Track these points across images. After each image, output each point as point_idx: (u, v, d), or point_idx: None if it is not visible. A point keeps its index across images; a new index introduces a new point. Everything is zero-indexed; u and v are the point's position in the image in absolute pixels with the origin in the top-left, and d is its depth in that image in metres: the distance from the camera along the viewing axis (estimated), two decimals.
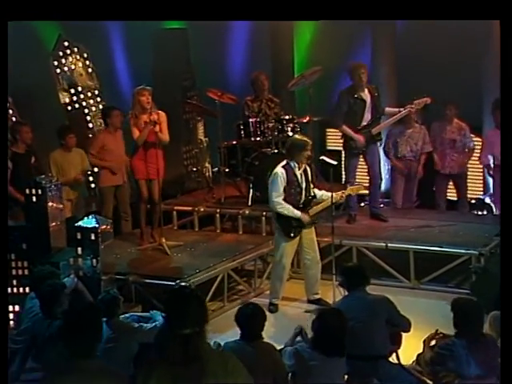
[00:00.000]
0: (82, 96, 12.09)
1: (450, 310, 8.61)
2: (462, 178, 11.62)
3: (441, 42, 12.21)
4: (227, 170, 10.89)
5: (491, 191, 11.75)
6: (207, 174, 12.22)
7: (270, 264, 9.64)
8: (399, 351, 6.71)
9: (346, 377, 6.16)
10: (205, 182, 11.84)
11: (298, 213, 8.68)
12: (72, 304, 7.04)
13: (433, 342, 6.46)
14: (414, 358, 6.63)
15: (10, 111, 11.05)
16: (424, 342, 6.45)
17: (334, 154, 11.98)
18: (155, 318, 6.97)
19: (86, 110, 12.12)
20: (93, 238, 7.99)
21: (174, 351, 4.26)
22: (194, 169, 12.46)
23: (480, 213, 11.45)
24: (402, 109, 10.25)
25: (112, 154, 10.17)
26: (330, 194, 8.72)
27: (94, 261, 8.02)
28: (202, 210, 10.73)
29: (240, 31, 13.99)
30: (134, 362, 6.55)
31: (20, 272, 8.29)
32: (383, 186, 11.16)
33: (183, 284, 5.16)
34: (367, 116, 10.19)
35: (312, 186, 8.88)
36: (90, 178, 12.05)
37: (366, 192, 9.66)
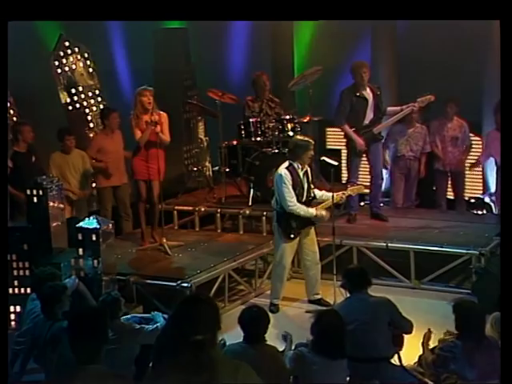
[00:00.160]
0: (82, 96, 12.06)
1: (450, 309, 8.69)
2: (461, 176, 11.59)
3: (441, 41, 12.16)
4: (228, 169, 10.83)
5: (491, 191, 11.71)
6: (208, 173, 12.18)
7: (271, 264, 9.59)
8: (401, 352, 6.65)
9: (347, 378, 6.11)
10: (205, 181, 11.79)
11: (312, 211, 8.61)
12: (74, 305, 7.06)
13: (431, 344, 6.43)
14: (416, 359, 6.61)
15: (12, 111, 11.00)
16: (422, 344, 6.42)
17: (334, 154, 11.97)
18: (156, 319, 6.91)
19: (87, 110, 12.09)
20: (94, 238, 7.92)
21: (185, 358, 4.19)
22: (195, 168, 12.39)
23: (480, 212, 11.40)
24: (404, 107, 10.18)
25: (109, 155, 10.14)
26: (330, 194, 8.68)
27: (95, 261, 7.95)
28: (202, 209, 10.67)
29: (240, 31, 13.94)
30: (136, 364, 6.56)
31: (21, 272, 8.25)
32: (383, 186, 11.09)
33: (196, 292, 5.08)
34: (370, 115, 10.13)
35: (312, 186, 8.83)
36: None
37: (367, 191, 9.58)
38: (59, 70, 11.92)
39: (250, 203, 10.40)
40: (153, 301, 8.41)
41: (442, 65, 12.19)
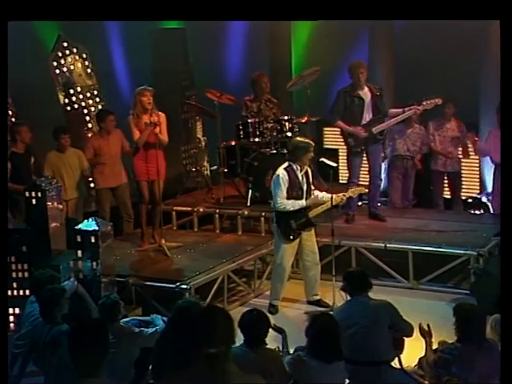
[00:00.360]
0: (81, 96, 11.96)
1: (448, 310, 8.61)
2: (458, 176, 11.55)
3: (438, 41, 12.08)
4: (226, 170, 10.75)
5: (488, 190, 11.64)
6: (206, 172, 12.12)
7: (270, 264, 9.53)
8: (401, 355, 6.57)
9: (347, 381, 6.03)
10: (204, 181, 11.71)
11: (302, 202, 8.55)
12: (73, 308, 6.99)
13: (434, 341, 6.36)
14: (416, 362, 6.53)
15: (10, 112, 10.89)
16: (426, 340, 6.33)
17: (331, 153, 11.91)
18: (156, 322, 6.84)
19: (86, 110, 12.00)
20: (93, 240, 7.83)
21: (198, 370, 4.12)
22: (193, 169, 12.30)
23: (477, 212, 11.34)
24: (406, 109, 10.09)
25: (105, 156, 10.04)
26: (330, 195, 8.59)
27: (94, 263, 7.87)
28: (201, 210, 10.58)
29: (238, 31, 13.87)
30: (135, 367, 6.48)
31: (20, 274, 8.18)
32: (381, 186, 11.01)
33: (211, 303, 5.04)
34: (367, 115, 10.06)
35: (313, 187, 8.74)
36: (89, 178, 11.91)
37: (365, 191, 9.51)
38: (58, 71, 11.82)
39: (249, 204, 10.32)
40: (152, 302, 8.34)
41: (440, 65, 12.12)
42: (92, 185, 11.85)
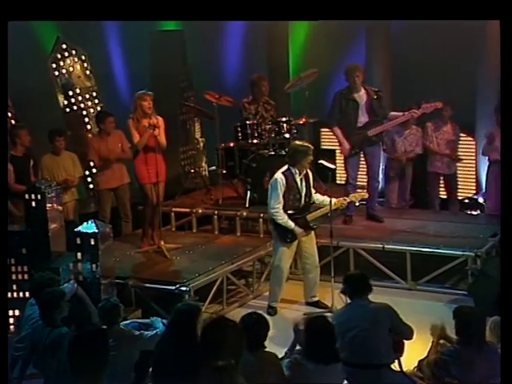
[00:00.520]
0: (80, 98, 11.90)
1: (446, 311, 8.60)
2: (454, 177, 11.50)
3: (435, 41, 12.01)
4: (225, 171, 10.70)
5: (484, 190, 11.58)
6: (204, 173, 12.07)
7: (268, 265, 9.48)
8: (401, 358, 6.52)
9: (345, 382, 5.97)
10: (202, 182, 11.65)
11: (291, 224, 8.49)
12: (73, 311, 6.94)
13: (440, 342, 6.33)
14: (416, 364, 6.48)
15: (9, 114, 10.81)
16: (432, 342, 6.31)
17: (329, 154, 11.84)
18: (155, 324, 6.79)
19: (84, 112, 11.94)
20: (92, 243, 7.77)
21: (207, 381, 4.06)
22: (192, 170, 12.24)
23: (474, 213, 11.28)
24: (406, 113, 10.06)
25: (104, 158, 9.96)
26: (335, 199, 8.56)
27: (94, 266, 7.80)
28: (200, 211, 10.52)
29: (235, 32, 13.79)
30: (135, 370, 6.42)
31: (20, 277, 8.13)
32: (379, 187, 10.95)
33: (222, 315, 4.99)
34: (362, 118, 10.00)
35: (314, 191, 8.67)
36: (89, 179, 11.87)
37: (366, 196, 9.45)
38: (56, 73, 11.75)
39: (247, 205, 10.27)
40: (151, 304, 8.28)
41: (437, 66, 12.05)
42: (91, 186, 11.85)
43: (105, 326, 6.35)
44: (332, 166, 8.63)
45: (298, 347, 6.14)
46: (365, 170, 10.47)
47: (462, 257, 9.08)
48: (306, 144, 8.66)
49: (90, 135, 11.64)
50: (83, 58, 11.94)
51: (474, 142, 11.83)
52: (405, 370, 6.50)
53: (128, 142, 9.83)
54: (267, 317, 7.80)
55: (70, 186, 10.13)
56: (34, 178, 9.72)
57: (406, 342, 6.50)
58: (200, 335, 4.50)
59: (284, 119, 10.40)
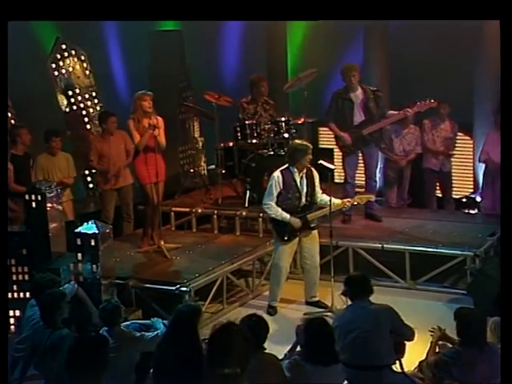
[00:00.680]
0: (79, 98, 11.82)
1: (445, 310, 8.55)
2: (449, 176, 11.42)
3: (433, 41, 11.93)
4: (224, 171, 10.63)
5: (481, 189, 11.51)
6: (203, 172, 12.01)
7: (268, 265, 9.41)
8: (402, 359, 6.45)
9: (345, 382, 5.91)
10: (201, 182, 11.57)
11: (286, 216, 8.42)
12: (73, 312, 6.87)
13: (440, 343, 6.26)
14: (416, 365, 6.42)
15: (9, 114, 10.72)
16: (431, 342, 6.25)
17: (327, 153, 11.78)
18: (156, 325, 6.73)
19: (84, 112, 11.86)
20: (93, 243, 7.69)
21: None
22: (192, 170, 12.17)
23: (472, 211, 11.22)
24: (401, 111, 10.01)
25: (107, 158, 9.85)
26: (337, 200, 8.50)
27: (94, 266, 7.73)
28: (199, 211, 10.44)
29: (233, 31, 13.71)
30: (136, 371, 6.36)
31: (20, 277, 8.05)
32: (377, 186, 10.88)
33: (230, 321, 4.93)
34: (358, 117, 9.96)
35: (320, 191, 8.56)
36: (88, 179, 11.79)
37: (373, 199, 9.36)
38: (56, 73, 11.67)
39: (247, 205, 10.21)
40: (152, 305, 8.20)
41: (435, 65, 11.97)
42: (91, 185, 11.77)
43: (106, 328, 6.34)
44: (332, 167, 8.55)
45: (298, 348, 6.12)
46: (363, 169, 10.40)
47: (460, 256, 9.01)
48: (305, 143, 8.60)
49: (91, 135, 11.56)
50: (83, 58, 11.86)
51: (471, 142, 11.76)
52: (405, 370, 6.44)
53: (132, 142, 9.72)
54: (267, 317, 7.86)
55: (66, 187, 10.03)
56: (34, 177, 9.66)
57: (407, 343, 6.43)
58: (208, 340, 4.41)
59: (283, 119, 10.32)
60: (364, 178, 10.38)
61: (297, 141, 8.85)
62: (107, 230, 7.91)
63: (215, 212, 10.32)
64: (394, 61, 12.15)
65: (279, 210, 8.42)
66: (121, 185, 9.96)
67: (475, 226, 10.04)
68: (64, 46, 11.69)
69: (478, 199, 11.47)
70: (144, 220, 9.55)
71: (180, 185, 11.76)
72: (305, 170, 8.47)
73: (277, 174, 8.46)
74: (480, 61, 11.35)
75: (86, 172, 11.75)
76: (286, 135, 10.24)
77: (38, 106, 11.74)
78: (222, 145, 10.65)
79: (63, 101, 11.74)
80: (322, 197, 8.58)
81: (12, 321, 7.97)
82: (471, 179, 11.93)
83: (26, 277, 8.00)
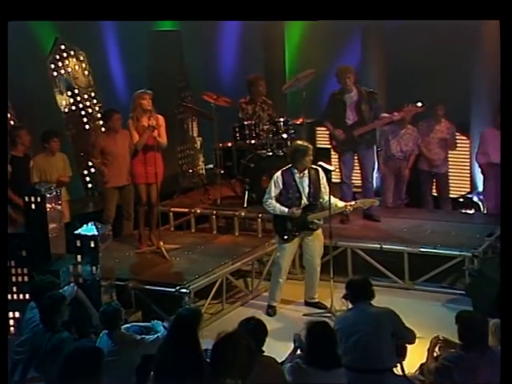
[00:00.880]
0: (78, 98, 11.71)
1: (444, 311, 8.48)
2: (445, 176, 11.31)
3: (430, 42, 11.83)
4: (223, 171, 10.54)
5: (479, 189, 11.44)
6: (201, 171, 11.91)
7: (267, 265, 9.33)
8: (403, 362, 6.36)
9: None
10: (200, 181, 11.48)
11: (284, 209, 8.37)
12: (73, 314, 6.78)
13: (436, 350, 6.16)
14: (417, 367, 6.32)
15: (8, 114, 10.59)
16: (428, 349, 6.14)
17: (324, 152, 11.68)
18: (156, 328, 6.66)
19: (83, 112, 11.73)
20: (92, 245, 7.59)
21: None
22: (190, 170, 12.07)
23: (469, 211, 11.14)
24: (388, 115, 10.02)
25: (112, 156, 9.66)
26: (340, 204, 8.41)
27: (94, 268, 7.63)
28: (198, 211, 10.34)
29: (231, 31, 13.61)
30: (137, 374, 6.28)
31: (20, 279, 7.92)
32: (374, 185, 10.79)
33: (234, 330, 4.87)
34: (351, 118, 9.96)
35: (324, 191, 8.41)
36: (87, 178, 11.68)
37: (377, 203, 9.27)
38: (55, 73, 11.55)
39: (245, 205, 10.11)
40: (151, 306, 8.11)
41: (432, 66, 11.87)
42: (90, 185, 11.66)
43: (106, 331, 6.26)
44: (331, 168, 8.46)
45: (298, 352, 6.03)
46: (358, 170, 10.39)
47: (459, 257, 8.92)
48: (306, 144, 8.54)
49: (94, 134, 11.46)
50: (81, 58, 11.75)
51: (468, 141, 11.69)
52: (406, 372, 6.34)
53: None
54: (266, 317, 7.78)
55: (63, 185, 9.91)
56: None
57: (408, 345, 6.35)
58: (211, 348, 4.32)
59: (281, 119, 10.24)
60: (360, 180, 10.35)
61: (298, 141, 8.77)
62: (107, 232, 7.82)
63: (214, 212, 10.22)
64: (392, 61, 12.06)
65: (277, 204, 8.39)
66: (123, 183, 9.78)
67: (473, 226, 9.95)
68: (63, 47, 11.58)
69: (475, 199, 11.41)
70: (138, 221, 9.44)
71: (178, 185, 11.66)
72: (306, 171, 8.40)
73: (277, 174, 8.45)
74: (477, 61, 11.30)
75: (85, 172, 11.63)
76: (285, 136, 10.17)
77: (36, 106, 11.62)
78: (221, 145, 10.57)
79: (62, 101, 11.62)
80: (326, 198, 8.42)
81: (11, 322, 7.86)
82: (468, 179, 11.85)
83: (26, 278, 7.89)
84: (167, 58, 12.81)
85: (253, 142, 10.19)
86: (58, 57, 11.53)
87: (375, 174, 11.03)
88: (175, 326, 5.69)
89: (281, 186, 8.39)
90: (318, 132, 12.99)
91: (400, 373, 6.24)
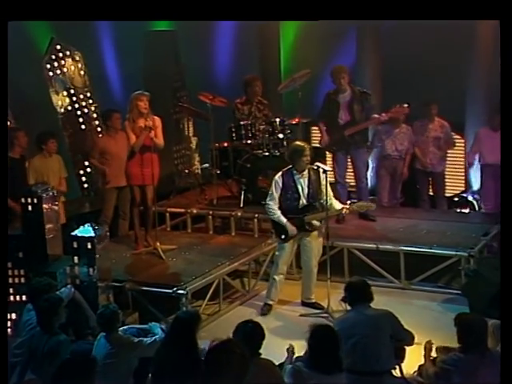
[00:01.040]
0: (74, 98, 11.56)
1: (440, 310, 8.43)
2: (441, 175, 11.22)
3: (425, 42, 11.75)
4: (219, 171, 10.46)
5: (473, 188, 11.39)
6: (196, 171, 11.83)
7: (264, 265, 9.26)
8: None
9: None
10: (196, 181, 11.39)
11: (283, 220, 8.32)
12: (70, 316, 6.71)
13: (433, 353, 6.10)
14: (415, 368, 6.27)
15: None
16: (424, 355, 6.09)
17: (319, 151, 11.61)
18: (154, 330, 6.61)
19: (79, 112, 11.60)
20: (89, 247, 7.54)
21: None
22: (186, 171, 11.99)
23: (465, 210, 11.08)
24: (376, 115, 10.05)
25: (113, 156, 9.53)
26: (337, 206, 8.35)
27: (91, 269, 7.58)
28: (194, 211, 10.26)
29: (226, 31, 13.51)
30: (134, 376, 6.21)
31: (17, 280, 7.86)
32: (368, 184, 10.73)
33: (230, 339, 4.82)
34: (344, 118, 9.95)
35: (323, 192, 8.30)
36: (83, 179, 11.58)
37: (373, 208, 9.20)
38: (51, 74, 11.41)
39: (242, 205, 10.04)
40: (148, 307, 8.03)
41: (427, 65, 11.81)
42: (86, 185, 11.55)
43: (104, 333, 6.18)
44: (328, 168, 8.39)
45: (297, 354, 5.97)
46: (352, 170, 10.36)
47: (455, 257, 8.86)
48: (302, 144, 8.50)
49: (93, 133, 11.37)
50: (77, 58, 11.61)
51: (463, 141, 11.62)
52: (404, 373, 6.30)
53: None
54: (263, 319, 7.71)
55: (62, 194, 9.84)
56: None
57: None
58: (205, 355, 4.25)
59: (277, 120, 10.17)
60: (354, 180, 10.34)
61: (296, 142, 8.72)
62: (103, 233, 7.75)
63: (210, 212, 10.15)
64: (387, 61, 11.99)
65: (278, 212, 8.34)
66: (123, 183, 9.67)
67: (468, 225, 9.90)
68: (59, 47, 11.44)
69: (470, 198, 11.36)
70: (133, 221, 9.38)
71: (174, 185, 11.59)
72: (306, 171, 8.35)
73: (278, 175, 8.43)
74: (472, 61, 11.22)
75: (81, 172, 11.52)
76: (281, 136, 10.11)
77: (32, 106, 11.50)
78: (217, 145, 10.48)
79: (58, 101, 11.49)
80: (330, 201, 8.33)
81: (8, 324, 7.74)
82: (463, 178, 11.79)
83: (23, 280, 7.82)
84: (163, 58, 12.68)
85: (249, 142, 10.13)
86: (53, 57, 11.40)
87: (370, 174, 11.00)
88: (174, 328, 5.67)
89: (280, 186, 8.36)
90: (313, 132, 12.91)
91: (399, 375, 6.19)
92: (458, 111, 11.46)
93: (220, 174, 10.49)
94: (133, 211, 9.35)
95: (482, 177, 10.79)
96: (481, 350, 5.56)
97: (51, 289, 6.80)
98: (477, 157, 10.85)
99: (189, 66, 13.07)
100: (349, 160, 10.28)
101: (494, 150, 10.11)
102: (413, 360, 6.36)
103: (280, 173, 8.41)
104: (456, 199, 11.49)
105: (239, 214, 9.95)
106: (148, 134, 8.82)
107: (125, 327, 6.59)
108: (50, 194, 8.10)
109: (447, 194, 11.49)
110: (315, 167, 8.35)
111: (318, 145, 12.41)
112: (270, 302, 8.60)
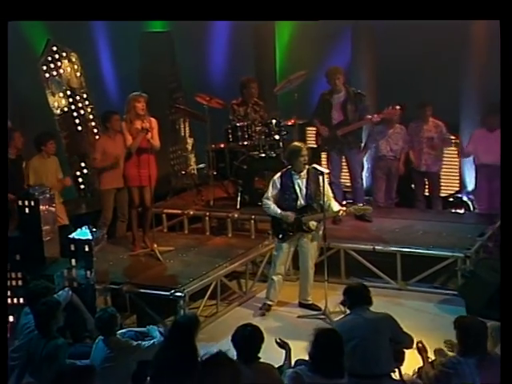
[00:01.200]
0: (70, 100, 11.50)
1: (436, 311, 8.39)
2: (437, 175, 11.16)
3: (420, 42, 11.68)
4: (215, 172, 10.40)
5: (468, 189, 11.35)
6: (193, 172, 11.77)
7: (261, 266, 9.21)
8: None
9: None
10: (192, 182, 11.32)
11: (277, 210, 8.30)
12: (68, 319, 6.65)
13: (431, 356, 6.05)
14: (415, 371, 6.21)
15: None
16: (422, 358, 6.05)
17: (314, 151, 11.55)
18: (152, 333, 6.57)
19: (75, 114, 11.53)
20: (87, 249, 7.46)
21: None
22: (183, 172, 11.92)
23: (460, 211, 11.04)
24: (368, 116, 9.99)
25: (112, 157, 9.49)
26: (335, 207, 8.30)
27: (88, 272, 7.50)
28: (191, 213, 10.19)
29: (221, 32, 13.43)
30: (133, 380, 6.16)
31: (14, 283, 7.78)
32: (364, 184, 10.68)
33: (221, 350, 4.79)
34: (337, 118, 9.93)
35: (321, 193, 8.22)
36: (80, 180, 11.50)
37: (370, 211, 9.15)
38: (47, 75, 11.34)
39: (238, 206, 9.98)
40: (146, 309, 7.95)
41: (422, 65, 11.75)
42: (82, 186, 11.48)
43: (102, 337, 6.12)
44: (325, 170, 8.34)
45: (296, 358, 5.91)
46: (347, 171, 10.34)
47: (451, 258, 8.81)
48: (299, 145, 8.48)
49: (90, 134, 11.30)
50: (74, 59, 11.54)
51: (457, 141, 11.55)
52: (403, 373, 6.24)
53: None
54: (260, 321, 7.66)
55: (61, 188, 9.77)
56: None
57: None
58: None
59: (274, 121, 10.12)
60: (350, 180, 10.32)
61: (294, 143, 8.68)
62: (100, 236, 7.69)
63: (207, 214, 10.09)
64: (382, 62, 11.92)
65: (272, 205, 8.34)
66: (120, 185, 9.54)
67: (464, 226, 9.85)
68: (55, 48, 11.37)
69: (465, 198, 11.31)
70: (131, 223, 9.31)
71: (171, 186, 11.52)
72: (305, 172, 8.30)
73: (277, 175, 8.41)
74: (467, 61, 11.16)
75: (78, 173, 11.45)
76: (277, 137, 10.07)
77: (29, 108, 11.44)
78: (214, 146, 10.43)
79: (54, 103, 11.43)
80: (329, 202, 8.30)
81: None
82: (457, 178, 11.74)
83: (20, 282, 7.75)
84: (158, 58, 12.63)
85: (245, 143, 10.07)
86: (50, 58, 11.33)
87: (365, 175, 10.95)
88: (173, 333, 5.62)
89: (278, 186, 8.34)
90: (308, 132, 12.85)
91: (398, 378, 6.13)
92: (453, 111, 11.40)
93: (216, 175, 10.43)
94: (130, 212, 9.28)
95: (476, 177, 10.74)
96: (480, 352, 5.51)
97: (49, 292, 6.75)
98: (471, 156, 10.80)
99: (184, 67, 13.01)
100: (344, 161, 10.24)
101: (488, 151, 10.10)
102: (411, 362, 6.30)
103: (279, 173, 8.39)
104: (451, 199, 11.44)
105: (236, 215, 9.89)
106: (145, 136, 8.75)
107: (123, 330, 6.55)
108: (47, 195, 8.04)
109: (442, 194, 11.46)
110: (314, 169, 8.31)
111: (313, 145, 12.49)
112: (269, 303, 8.57)
